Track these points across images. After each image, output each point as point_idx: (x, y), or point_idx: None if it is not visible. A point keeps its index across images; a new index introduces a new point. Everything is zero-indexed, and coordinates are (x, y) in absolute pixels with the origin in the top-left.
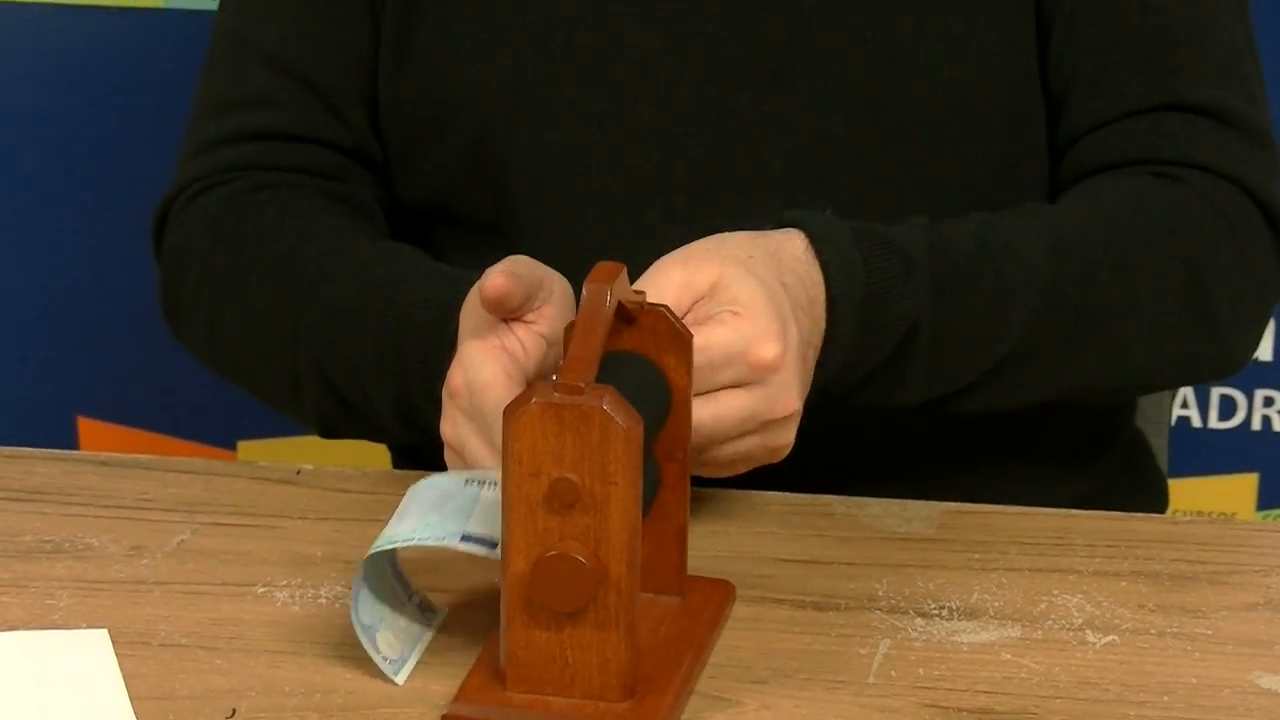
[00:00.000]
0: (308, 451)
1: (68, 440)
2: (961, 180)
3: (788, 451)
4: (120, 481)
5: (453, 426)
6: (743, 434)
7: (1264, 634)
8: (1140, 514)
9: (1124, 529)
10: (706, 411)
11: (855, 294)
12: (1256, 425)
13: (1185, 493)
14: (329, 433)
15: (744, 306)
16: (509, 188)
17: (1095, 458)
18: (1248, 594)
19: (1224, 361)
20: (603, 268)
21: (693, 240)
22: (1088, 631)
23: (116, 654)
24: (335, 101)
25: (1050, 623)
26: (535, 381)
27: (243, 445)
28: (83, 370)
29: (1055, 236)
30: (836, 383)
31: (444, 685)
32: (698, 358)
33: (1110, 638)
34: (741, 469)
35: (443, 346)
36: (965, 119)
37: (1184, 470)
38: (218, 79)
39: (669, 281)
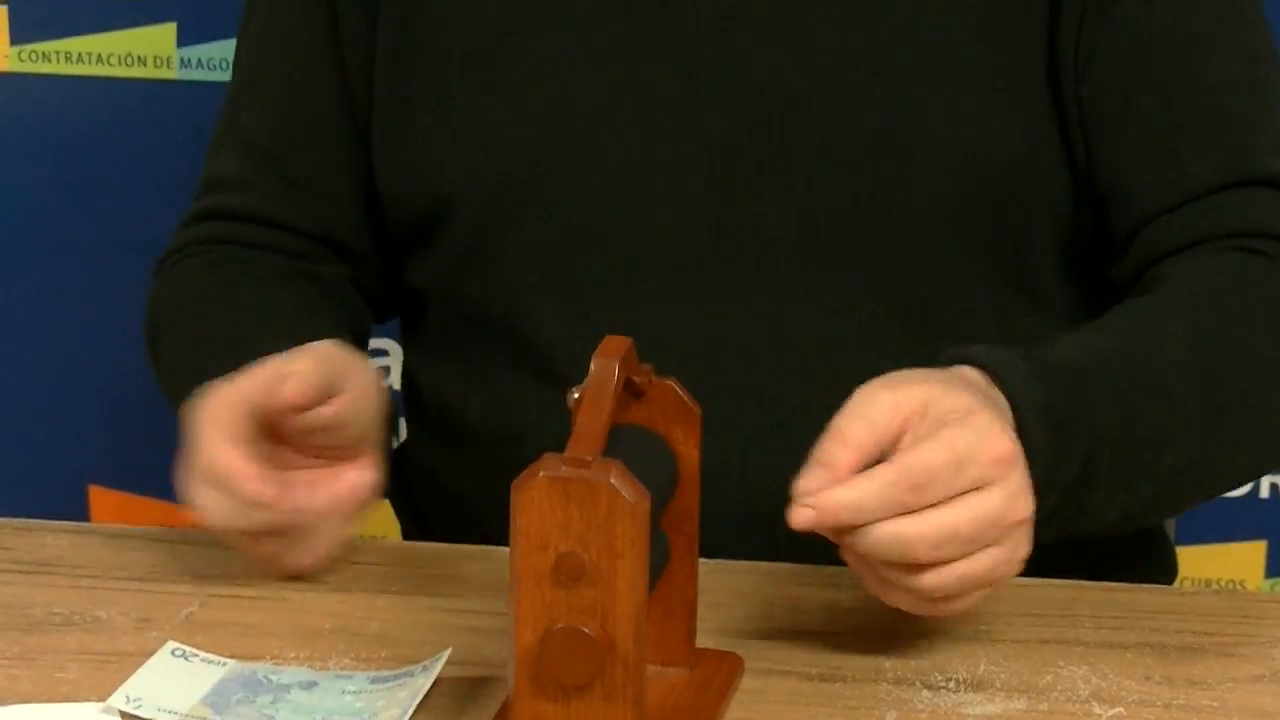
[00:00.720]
0: None
1: (79, 508)
2: (966, 252)
3: (1024, 563)
4: (130, 553)
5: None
6: (985, 545)
7: (1270, 706)
8: (1146, 585)
9: (1130, 600)
10: (956, 517)
11: (1042, 425)
12: (1265, 493)
13: (1193, 560)
14: None
15: (966, 411)
16: (509, 275)
17: (1117, 536)
18: (1254, 665)
19: None
20: (610, 341)
21: (694, 315)
22: (1094, 703)
23: None
24: (306, 190)
25: (1056, 694)
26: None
27: None
28: (94, 439)
29: (1190, 331)
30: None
31: None
32: (937, 464)
33: (1116, 710)
34: (976, 595)
35: None
36: (969, 195)
37: (1192, 538)
38: (214, 158)
39: (879, 402)
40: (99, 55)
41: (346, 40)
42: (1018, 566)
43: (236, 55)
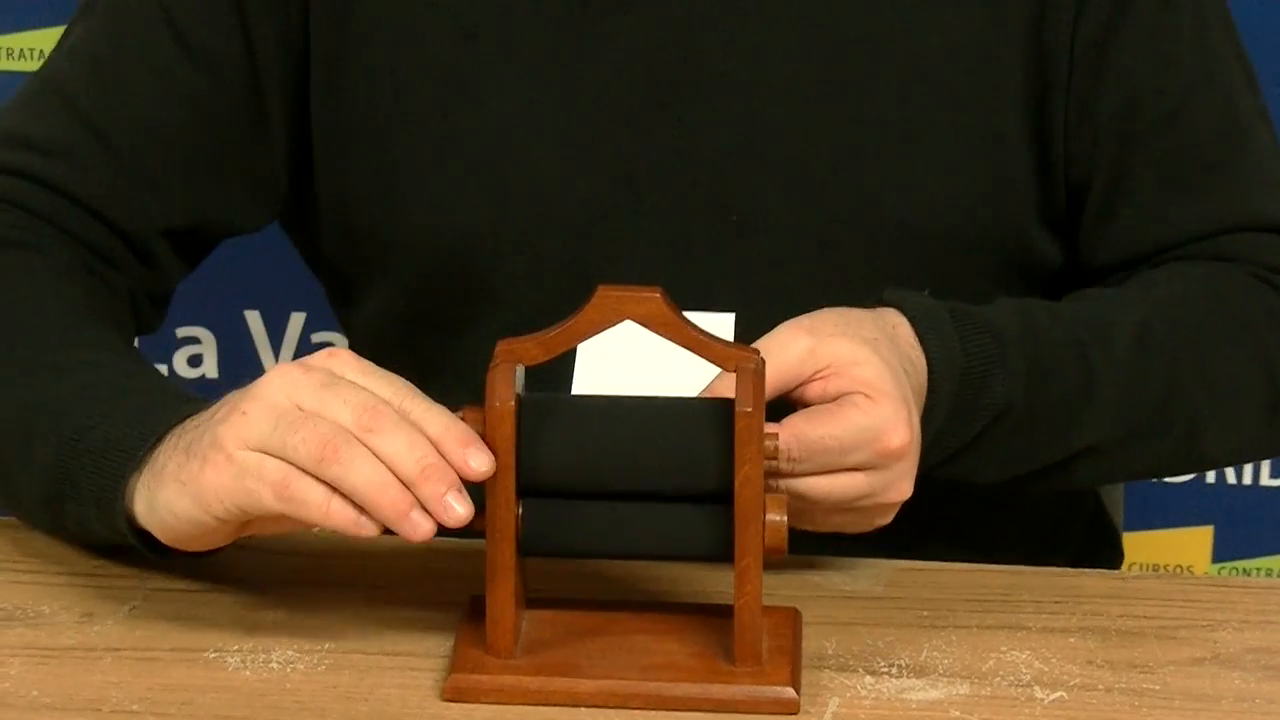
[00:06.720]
0: None
1: None
2: None
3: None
4: (72, 549)
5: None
6: (848, 510)
7: (1210, 689)
8: (1088, 570)
9: (1072, 585)
10: (822, 486)
11: (952, 377)
12: (1211, 478)
13: (1140, 546)
14: None
15: (876, 391)
16: (458, 330)
17: (1061, 522)
18: (1195, 649)
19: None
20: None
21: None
22: (1036, 688)
23: None
24: (137, 184)
25: (999, 679)
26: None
27: None
28: None
29: (1141, 327)
30: (921, 461)
31: None
32: (828, 440)
33: (1058, 694)
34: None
35: (112, 476)
36: (938, 263)
37: (1139, 524)
38: (17, 113)
39: (794, 346)
40: None
41: (258, 38)
42: (871, 529)
43: (73, 26)
